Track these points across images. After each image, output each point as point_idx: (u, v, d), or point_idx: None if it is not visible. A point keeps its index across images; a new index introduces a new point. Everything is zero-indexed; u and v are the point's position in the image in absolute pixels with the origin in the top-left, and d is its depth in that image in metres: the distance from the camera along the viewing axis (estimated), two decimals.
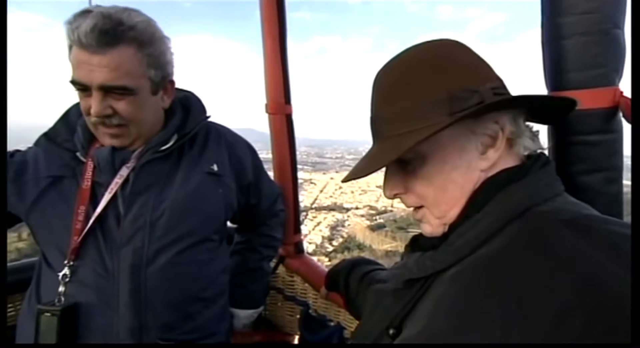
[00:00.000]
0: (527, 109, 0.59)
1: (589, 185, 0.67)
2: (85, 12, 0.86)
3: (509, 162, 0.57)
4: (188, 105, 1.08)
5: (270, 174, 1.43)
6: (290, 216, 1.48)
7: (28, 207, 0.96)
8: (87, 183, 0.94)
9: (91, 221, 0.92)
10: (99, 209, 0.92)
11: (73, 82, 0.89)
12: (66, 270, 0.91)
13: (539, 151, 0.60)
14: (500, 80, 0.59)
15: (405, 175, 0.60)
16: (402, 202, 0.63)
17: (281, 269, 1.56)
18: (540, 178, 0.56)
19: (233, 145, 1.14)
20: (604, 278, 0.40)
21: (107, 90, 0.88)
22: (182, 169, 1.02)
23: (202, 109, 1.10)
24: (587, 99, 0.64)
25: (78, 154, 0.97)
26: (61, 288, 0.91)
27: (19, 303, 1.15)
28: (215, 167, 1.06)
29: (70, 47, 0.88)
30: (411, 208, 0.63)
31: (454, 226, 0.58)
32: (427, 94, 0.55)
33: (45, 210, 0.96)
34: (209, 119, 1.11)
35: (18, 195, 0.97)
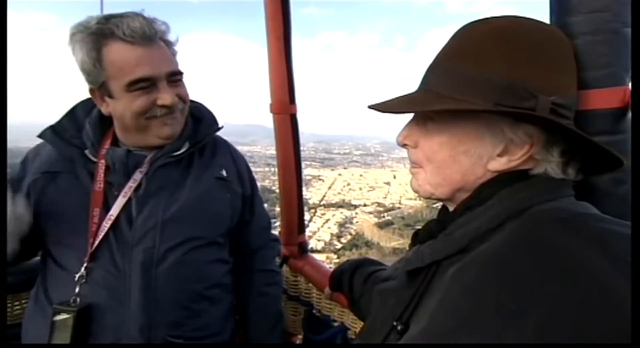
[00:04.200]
0: (568, 142, 0.55)
1: (597, 186, 0.66)
2: (112, 17, 0.90)
3: (524, 166, 0.56)
4: (200, 116, 1.11)
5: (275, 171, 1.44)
6: (294, 216, 1.49)
7: (33, 209, 0.94)
8: (99, 185, 0.95)
9: (106, 223, 0.93)
10: (113, 212, 0.94)
11: (137, 81, 0.90)
12: (82, 271, 0.92)
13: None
14: (572, 98, 0.56)
15: (422, 131, 0.60)
16: (408, 152, 0.64)
17: (285, 269, 1.56)
18: (549, 180, 0.55)
19: (236, 157, 1.19)
20: (592, 272, 0.40)
21: (169, 79, 0.95)
22: (193, 173, 1.05)
23: (214, 120, 1.13)
24: (595, 99, 0.63)
25: (87, 151, 0.98)
26: (77, 289, 0.92)
27: (25, 301, 1.17)
28: (224, 173, 1.11)
29: (97, 57, 0.90)
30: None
31: (453, 217, 0.58)
32: (490, 73, 0.53)
33: (51, 211, 0.96)
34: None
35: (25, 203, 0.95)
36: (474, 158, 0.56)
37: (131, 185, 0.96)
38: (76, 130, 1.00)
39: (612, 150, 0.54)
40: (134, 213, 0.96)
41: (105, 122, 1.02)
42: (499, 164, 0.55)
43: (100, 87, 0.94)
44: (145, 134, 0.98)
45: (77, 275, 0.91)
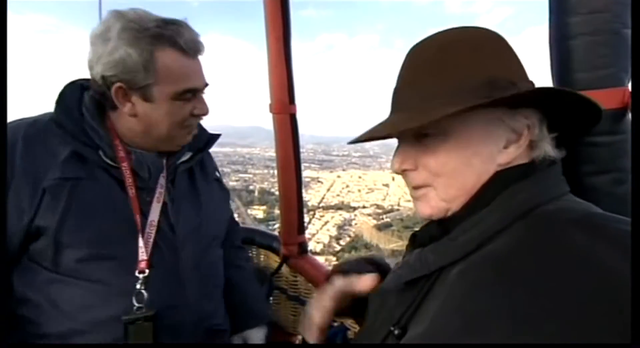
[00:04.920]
0: (550, 117, 0.57)
1: (596, 186, 0.66)
2: (170, 23, 0.90)
3: (522, 161, 0.56)
4: None
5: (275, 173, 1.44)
6: (294, 216, 1.49)
7: (57, 223, 0.85)
8: (132, 190, 0.92)
9: (150, 229, 0.93)
10: (154, 217, 0.94)
11: (187, 91, 0.93)
12: (142, 279, 0.90)
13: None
14: (532, 83, 0.57)
15: (420, 150, 0.58)
16: (407, 179, 0.61)
17: (285, 269, 1.56)
18: (548, 177, 0.55)
19: (212, 157, 1.24)
20: (620, 278, 0.39)
21: (203, 91, 0.98)
22: (197, 177, 1.09)
23: (200, 124, 1.13)
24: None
25: (101, 152, 0.92)
26: (145, 296, 0.90)
27: None
28: (217, 174, 1.19)
29: (149, 59, 0.87)
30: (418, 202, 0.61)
31: (456, 220, 0.57)
32: (469, 73, 0.54)
33: (82, 225, 0.87)
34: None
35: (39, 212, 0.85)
36: (484, 156, 0.55)
37: (161, 190, 0.97)
38: (74, 125, 0.92)
39: (589, 98, 0.53)
40: (171, 218, 0.98)
41: (102, 116, 0.97)
42: (508, 156, 0.55)
43: (138, 88, 0.90)
44: (167, 141, 0.98)
45: (139, 284, 0.90)
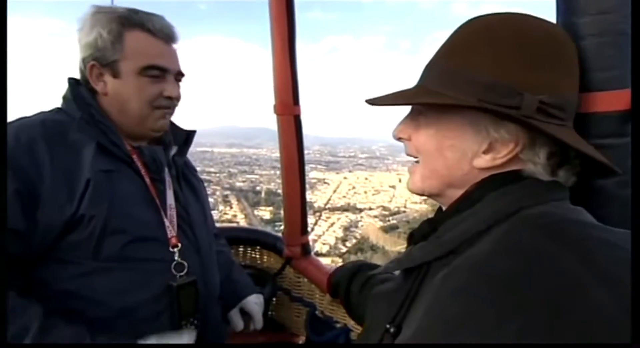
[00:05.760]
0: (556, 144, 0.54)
1: (602, 188, 0.65)
2: (140, 12, 0.97)
3: (513, 166, 0.56)
4: None
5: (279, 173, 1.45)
6: (298, 217, 1.49)
7: (106, 210, 0.89)
8: (148, 179, 1.00)
9: (172, 212, 1.02)
10: (170, 202, 1.03)
11: (153, 67, 0.97)
12: (177, 253, 0.99)
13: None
14: (566, 99, 0.54)
15: (415, 125, 0.61)
16: (405, 148, 0.65)
17: (288, 270, 1.56)
18: (540, 183, 0.54)
19: None
20: (569, 280, 0.39)
21: (176, 77, 1.04)
22: (185, 171, 1.16)
23: (176, 125, 1.18)
24: (601, 102, 0.62)
25: (117, 147, 0.96)
26: (185, 266, 0.99)
27: None
28: (194, 164, 1.27)
29: (117, 36, 0.94)
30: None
31: (444, 218, 0.58)
32: (475, 70, 0.54)
33: (127, 211, 0.93)
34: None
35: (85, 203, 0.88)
36: (458, 153, 0.56)
37: (168, 179, 1.05)
38: (91, 119, 0.95)
39: (597, 155, 0.53)
40: (182, 202, 1.07)
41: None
42: (484, 161, 0.55)
43: (107, 64, 0.96)
44: (141, 123, 1.01)
45: (176, 257, 0.99)
